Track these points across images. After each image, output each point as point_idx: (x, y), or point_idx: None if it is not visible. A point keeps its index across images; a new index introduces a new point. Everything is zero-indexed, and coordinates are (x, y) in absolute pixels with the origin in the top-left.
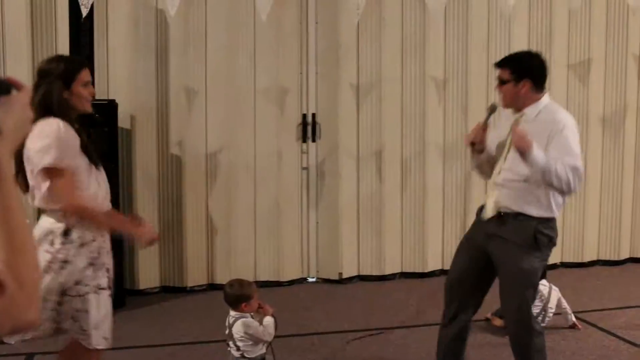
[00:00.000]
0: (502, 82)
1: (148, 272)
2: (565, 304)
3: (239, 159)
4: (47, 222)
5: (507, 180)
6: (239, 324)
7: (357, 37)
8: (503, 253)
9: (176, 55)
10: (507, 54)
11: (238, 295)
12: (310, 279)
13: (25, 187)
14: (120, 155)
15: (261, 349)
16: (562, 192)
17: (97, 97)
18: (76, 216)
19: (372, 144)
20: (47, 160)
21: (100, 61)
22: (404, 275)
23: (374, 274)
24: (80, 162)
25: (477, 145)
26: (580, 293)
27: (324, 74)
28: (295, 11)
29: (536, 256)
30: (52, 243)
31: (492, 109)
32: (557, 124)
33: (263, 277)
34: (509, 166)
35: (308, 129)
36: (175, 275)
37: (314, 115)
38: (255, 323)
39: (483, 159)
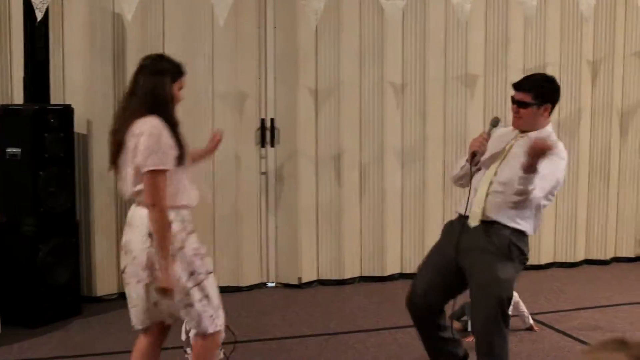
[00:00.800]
0: (521, 104)
1: (106, 278)
2: (522, 306)
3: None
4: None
5: (498, 192)
6: None
7: (316, 42)
8: (479, 263)
9: (133, 59)
10: (464, 59)
11: None
12: (269, 284)
13: (117, 170)
14: (76, 161)
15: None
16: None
17: (52, 102)
18: (155, 221)
19: (331, 148)
20: (151, 162)
21: (55, 66)
22: (363, 279)
23: (333, 278)
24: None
25: (477, 155)
26: (537, 295)
27: (282, 79)
28: (253, 16)
29: (511, 266)
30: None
31: (495, 123)
32: (558, 150)
33: (222, 283)
34: (502, 179)
35: (267, 133)
36: None
37: (272, 120)
38: None
39: (471, 170)
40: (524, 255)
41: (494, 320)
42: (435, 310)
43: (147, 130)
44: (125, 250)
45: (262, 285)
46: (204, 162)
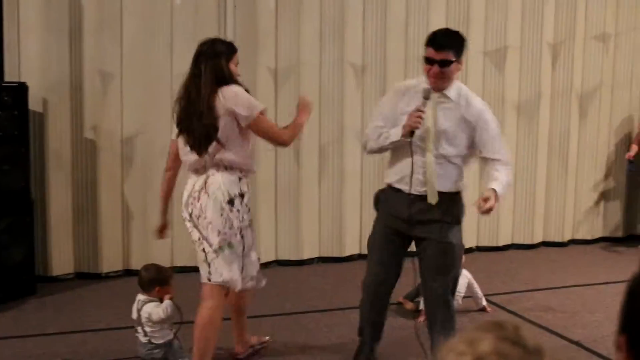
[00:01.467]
0: (445, 63)
1: (61, 257)
2: (476, 288)
3: (155, 144)
4: (228, 180)
5: (436, 164)
6: (146, 308)
7: (276, 22)
8: (433, 233)
9: (90, 37)
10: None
11: (153, 278)
12: None
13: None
14: (31, 139)
15: (168, 335)
16: None
17: (6, 80)
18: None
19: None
20: (259, 107)
21: (10, 42)
22: (322, 260)
23: (292, 258)
24: None
25: (415, 131)
26: (493, 276)
27: (242, 59)
28: None
29: (459, 230)
30: (233, 203)
31: (427, 95)
32: (482, 114)
33: (180, 263)
34: (438, 151)
35: None
36: (90, 261)
37: None
38: (159, 308)
39: (412, 148)
40: (464, 213)
41: (446, 289)
42: (389, 290)
43: (234, 90)
44: (198, 215)
45: None
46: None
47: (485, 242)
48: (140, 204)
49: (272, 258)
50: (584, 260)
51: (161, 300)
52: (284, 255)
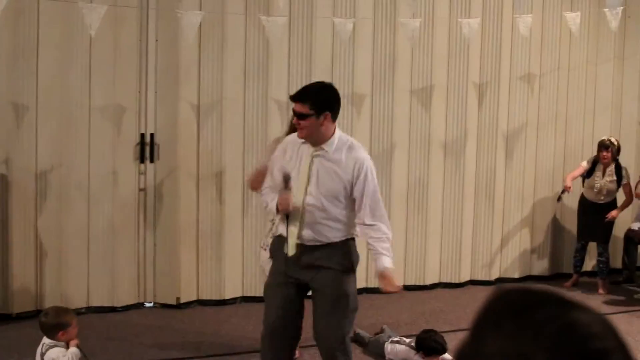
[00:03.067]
0: (300, 116)
1: None
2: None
3: (71, 178)
4: None
5: (313, 215)
6: (50, 354)
7: (199, 57)
8: (325, 280)
9: (4, 67)
10: (351, 78)
11: (54, 324)
12: (147, 304)
13: None
14: None
15: None
16: None
17: None
18: None
19: (213, 165)
20: None
21: None
22: (245, 299)
23: (214, 298)
24: None
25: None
26: (418, 316)
27: (163, 93)
28: (134, 28)
29: (353, 279)
30: None
31: (287, 179)
32: (361, 165)
33: (96, 303)
34: (314, 202)
35: (146, 149)
36: (0, 301)
37: (152, 135)
38: (64, 354)
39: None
40: (358, 259)
41: (342, 336)
42: (294, 335)
43: None
44: None
45: (140, 305)
46: None
47: (412, 281)
48: (54, 241)
49: (193, 297)
50: None
51: (67, 345)
52: (206, 295)
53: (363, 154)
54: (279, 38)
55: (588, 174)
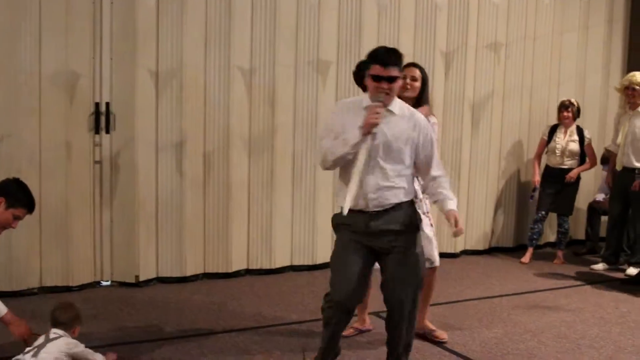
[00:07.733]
0: (393, 79)
1: None
2: None
3: (21, 150)
4: None
5: (389, 177)
6: (60, 341)
7: (157, 21)
8: (399, 243)
9: None
10: (316, 45)
11: (74, 316)
12: (104, 283)
13: None
14: None
15: None
16: None
17: None
18: None
19: (172, 135)
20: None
21: None
22: (207, 276)
23: (174, 275)
24: None
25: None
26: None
27: (119, 60)
28: None
29: (419, 236)
30: None
31: (380, 98)
32: (424, 125)
33: (50, 282)
34: (387, 165)
35: (101, 119)
36: None
37: (108, 104)
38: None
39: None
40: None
41: (415, 295)
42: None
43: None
44: None
45: (96, 284)
46: None
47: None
48: None
49: (152, 275)
50: (477, 271)
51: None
52: (166, 272)
53: (419, 112)
54: (242, 2)
55: (549, 140)
